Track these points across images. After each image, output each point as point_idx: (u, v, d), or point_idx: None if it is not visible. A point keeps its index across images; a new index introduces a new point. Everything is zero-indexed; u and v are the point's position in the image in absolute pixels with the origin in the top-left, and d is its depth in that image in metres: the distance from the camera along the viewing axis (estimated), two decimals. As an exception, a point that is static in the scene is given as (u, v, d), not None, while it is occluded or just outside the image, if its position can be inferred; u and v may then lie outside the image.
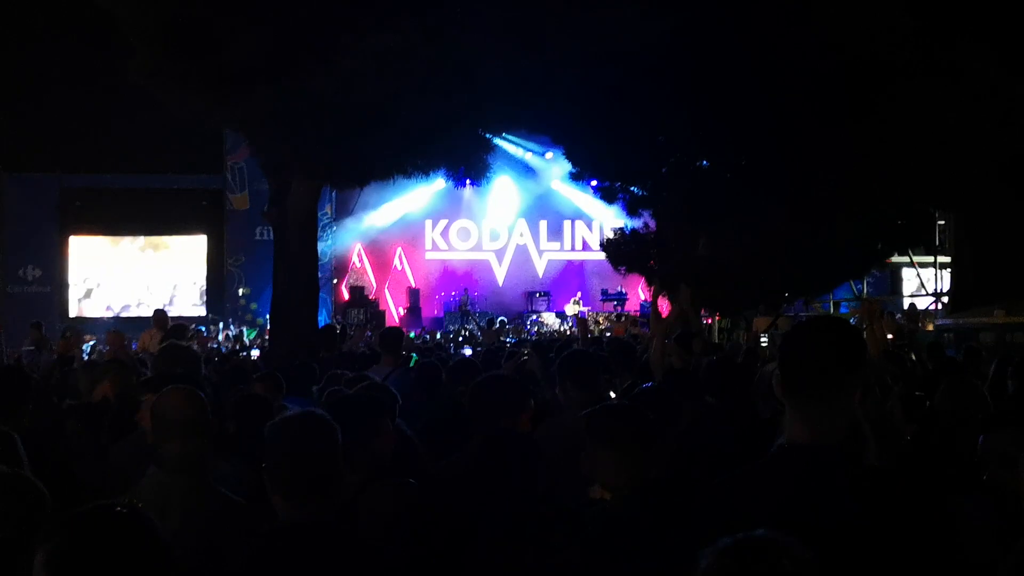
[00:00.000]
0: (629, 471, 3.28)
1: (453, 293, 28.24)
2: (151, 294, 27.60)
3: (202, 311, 27.76)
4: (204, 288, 28.66)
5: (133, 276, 28.18)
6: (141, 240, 28.59)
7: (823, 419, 2.47)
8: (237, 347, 19.19)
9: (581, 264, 29.55)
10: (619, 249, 15.92)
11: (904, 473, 2.57)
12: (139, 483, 3.38)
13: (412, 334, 21.11)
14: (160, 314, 14.30)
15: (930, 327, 18.19)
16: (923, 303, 21.48)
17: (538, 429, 4.43)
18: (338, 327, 14.06)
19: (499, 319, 25.30)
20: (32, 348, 12.11)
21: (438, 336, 22.02)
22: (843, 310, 21.76)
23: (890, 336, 10.44)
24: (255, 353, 15.96)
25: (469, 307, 27.12)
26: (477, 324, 24.51)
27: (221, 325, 24.58)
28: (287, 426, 3.10)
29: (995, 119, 11.34)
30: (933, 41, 10.54)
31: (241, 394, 5.83)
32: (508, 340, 18.29)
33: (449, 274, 29.17)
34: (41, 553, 2.09)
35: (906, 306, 21.98)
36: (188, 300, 28.35)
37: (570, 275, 29.59)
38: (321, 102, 10.05)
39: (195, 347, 8.87)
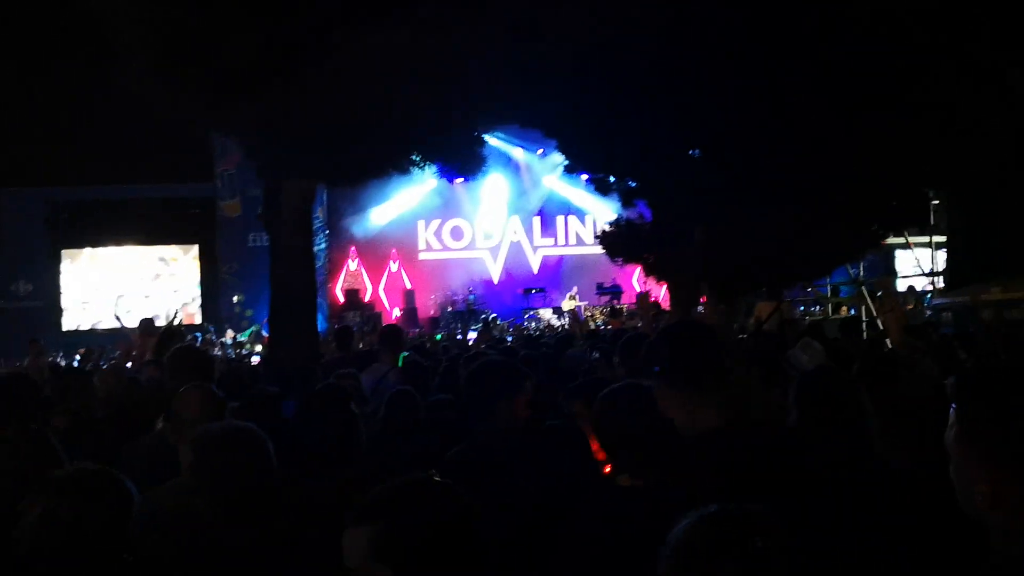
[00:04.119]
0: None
1: (450, 293, 28.32)
2: (144, 304, 27.47)
3: (197, 319, 27.68)
4: (199, 296, 28.61)
5: (126, 287, 28.07)
6: (132, 250, 28.51)
7: (729, 406, 2.80)
8: (240, 352, 19.15)
9: (575, 259, 29.51)
10: (615, 240, 15.89)
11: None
12: (164, 485, 3.33)
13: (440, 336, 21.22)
14: (147, 322, 14.28)
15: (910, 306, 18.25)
16: (920, 283, 21.53)
17: None
18: (355, 327, 14.10)
19: (491, 315, 25.39)
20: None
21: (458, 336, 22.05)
22: (843, 294, 21.77)
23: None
24: (255, 359, 15.89)
25: (476, 307, 27.41)
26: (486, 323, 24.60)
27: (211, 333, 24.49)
28: (212, 440, 3.03)
29: (987, 97, 11.34)
30: (928, 23, 10.52)
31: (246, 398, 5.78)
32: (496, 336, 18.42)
33: (444, 274, 29.11)
34: (367, 531, 2.02)
35: (903, 287, 22.07)
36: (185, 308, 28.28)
37: (564, 270, 29.56)
38: (314, 100, 10.00)
39: None
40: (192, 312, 27.58)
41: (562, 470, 3.60)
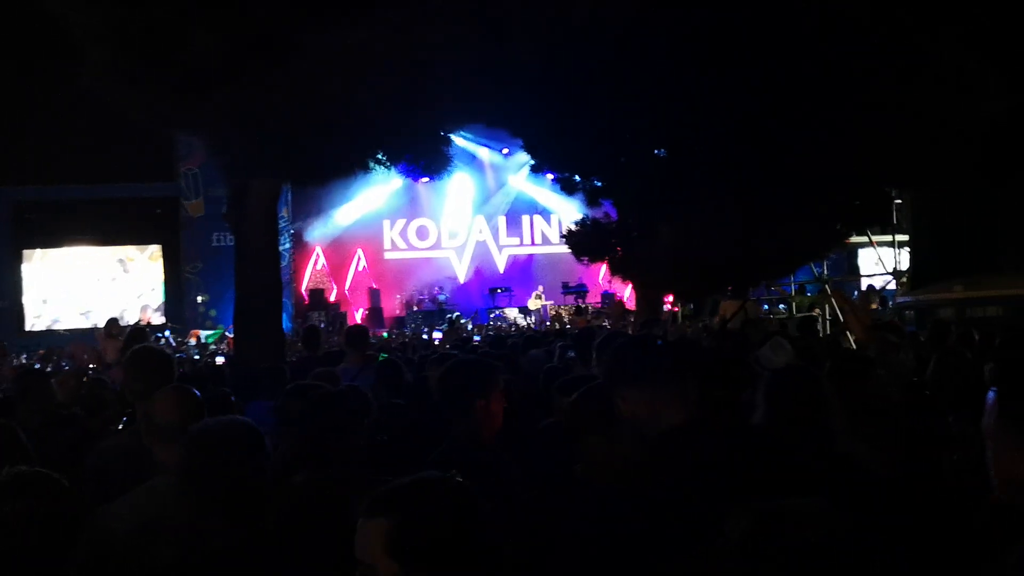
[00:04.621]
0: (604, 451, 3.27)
1: (415, 292, 28.29)
2: (109, 305, 27.15)
3: (161, 319, 27.42)
4: (162, 296, 28.35)
5: (90, 287, 27.78)
6: (96, 251, 28.19)
7: (691, 405, 2.91)
8: (204, 352, 19.00)
9: (541, 258, 29.57)
10: (581, 240, 15.91)
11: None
12: (142, 487, 3.28)
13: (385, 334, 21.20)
14: (112, 322, 14.13)
15: (874, 305, 18.45)
16: (881, 282, 21.74)
17: None
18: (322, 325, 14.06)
19: (455, 314, 25.40)
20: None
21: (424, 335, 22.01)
22: (808, 292, 21.94)
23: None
24: (220, 360, 15.75)
25: (446, 306, 27.41)
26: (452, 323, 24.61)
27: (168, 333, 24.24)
28: (211, 437, 2.98)
29: (950, 96, 11.46)
30: (896, 23, 10.61)
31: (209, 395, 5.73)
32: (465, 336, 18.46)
33: (410, 274, 29.04)
34: (381, 525, 2.01)
35: (863, 286, 22.29)
36: (147, 309, 28.01)
37: (530, 270, 29.61)
38: (279, 99, 9.94)
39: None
40: (151, 314, 27.30)
41: (546, 469, 3.59)
